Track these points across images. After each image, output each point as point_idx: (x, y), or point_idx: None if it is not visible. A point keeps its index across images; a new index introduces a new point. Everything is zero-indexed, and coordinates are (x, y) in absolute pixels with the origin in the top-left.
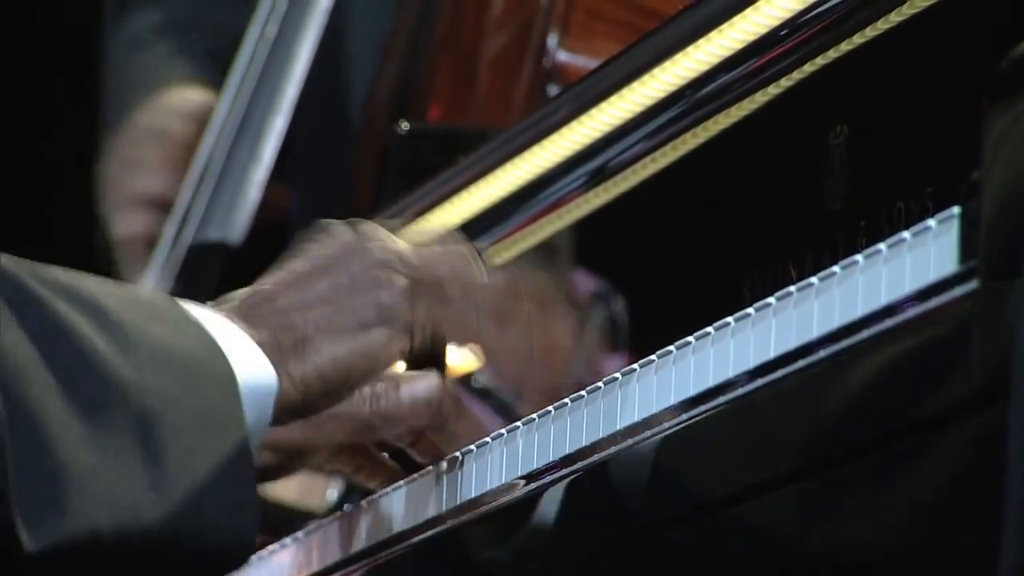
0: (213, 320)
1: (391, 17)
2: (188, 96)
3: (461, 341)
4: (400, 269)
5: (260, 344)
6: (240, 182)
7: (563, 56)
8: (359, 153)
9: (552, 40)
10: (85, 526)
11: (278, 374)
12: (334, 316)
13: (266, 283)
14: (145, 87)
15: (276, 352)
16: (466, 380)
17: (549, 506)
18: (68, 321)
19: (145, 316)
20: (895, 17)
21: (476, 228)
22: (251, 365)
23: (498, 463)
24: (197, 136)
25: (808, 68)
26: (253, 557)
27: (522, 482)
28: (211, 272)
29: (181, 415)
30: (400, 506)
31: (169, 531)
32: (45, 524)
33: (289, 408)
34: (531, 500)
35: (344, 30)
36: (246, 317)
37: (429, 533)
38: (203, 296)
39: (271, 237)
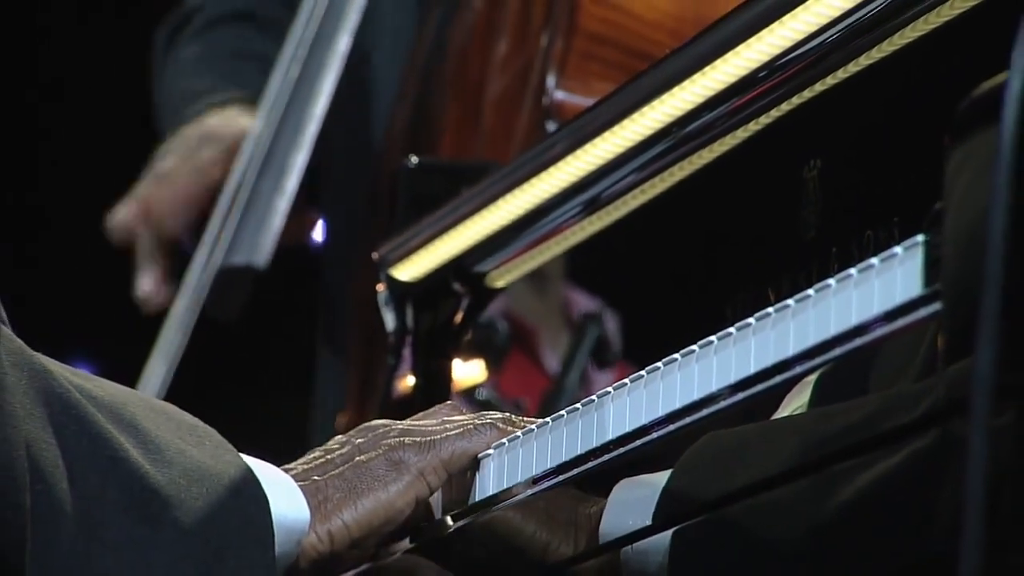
0: (250, 459)
1: (404, 61)
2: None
3: (463, 465)
4: (401, 432)
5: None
6: (265, 211)
7: (560, 95)
8: (375, 185)
9: (551, 80)
10: None
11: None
12: (351, 477)
13: (289, 466)
14: (202, 103)
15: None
16: (470, 393)
17: (546, 511)
18: (103, 432)
19: (184, 438)
20: (864, 61)
21: (480, 254)
22: (284, 497)
23: (499, 470)
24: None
25: (784, 107)
26: None
27: (521, 487)
28: (239, 293)
29: (209, 530)
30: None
31: None
32: None
33: (319, 560)
34: (528, 505)
35: (361, 73)
36: None
37: (431, 535)
38: (232, 315)
39: (295, 261)
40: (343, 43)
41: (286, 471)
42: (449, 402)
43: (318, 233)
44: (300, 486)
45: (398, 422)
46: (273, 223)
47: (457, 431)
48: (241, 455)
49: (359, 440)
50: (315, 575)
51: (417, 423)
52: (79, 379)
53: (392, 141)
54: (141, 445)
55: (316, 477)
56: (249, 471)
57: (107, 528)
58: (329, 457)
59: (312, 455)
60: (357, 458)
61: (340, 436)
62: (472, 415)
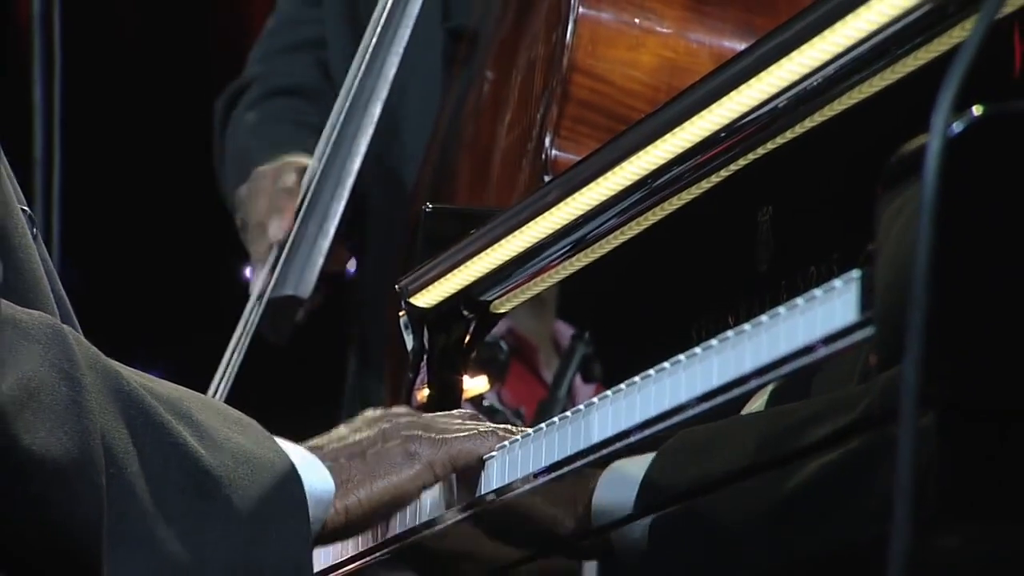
0: (284, 442)
1: (428, 125)
2: (303, 160)
3: (468, 463)
4: (421, 426)
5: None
6: (310, 251)
7: (556, 152)
8: (403, 228)
9: (547, 140)
10: None
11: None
12: (371, 462)
13: (319, 441)
14: (270, 156)
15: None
16: (477, 402)
17: (541, 502)
18: (164, 422)
19: (231, 427)
20: (808, 124)
21: (485, 285)
22: (316, 475)
23: (502, 468)
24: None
25: (741, 162)
26: None
27: (521, 482)
28: (288, 319)
29: (254, 504)
30: (420, 503)
31: None
32: None
33: (335, 530)
34: (527, 497)
35: (391, 136)
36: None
37: (442, 525)
38: (282, 338)
39: (335, 293)
40: (376, 110)
41: (316, 446)
42: (468, 410)
43: (352, 266)
44: (328, 466)
45: (422, 415)
46: (317, 261)
47: (466, 434)
48: (276, 439)
49: (385, 426)
50: (325, 541)
51: (438, 418)
52: (142, 379)
53: (419, 192)
54: (196, 434)
55: (343, 460)
56: (286, 455)
57: (169, 504)
58: (356, 439)
59: (338, 432)
60: (378, 445)
61: (369, 413)
62: (480, 422)
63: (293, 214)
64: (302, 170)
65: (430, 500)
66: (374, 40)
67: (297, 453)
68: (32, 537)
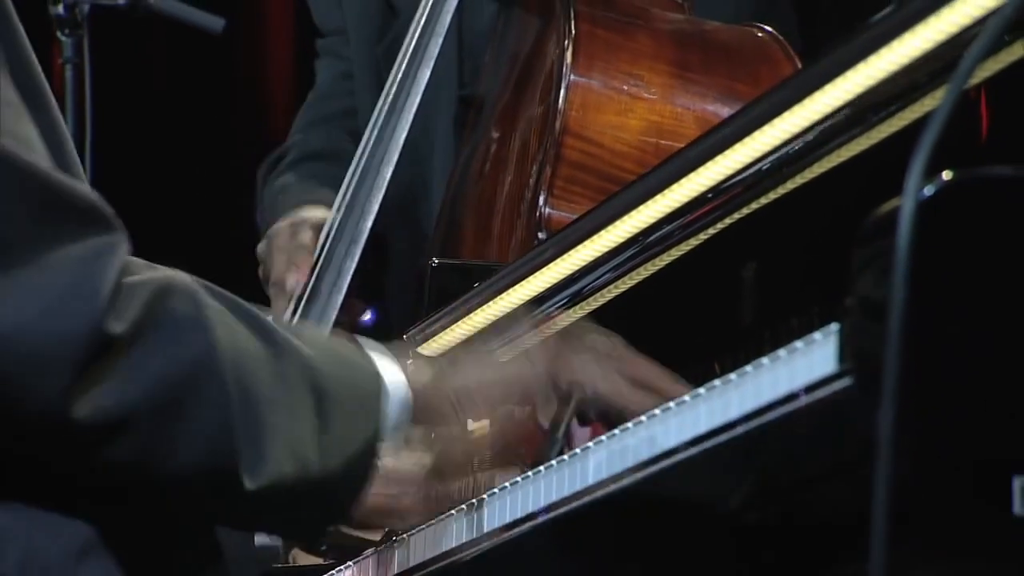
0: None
1: (442, 184)
2: (319, 215)
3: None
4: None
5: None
6: (324, 306)
7: (549, 210)
8: (413, 281)
9: (542, 199)
10: (278, 469)
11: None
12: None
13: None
14: (290, 210)
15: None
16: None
17: (542, 539)
18: (269, 327)
19: (317, 334)
20: (790, 185)
21: (487, 334)
22: (392, 377)
23: (504, 507)
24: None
25: (727, 221)
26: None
27: (519, 522)
28: None
29: (342, 395)
30: (427, 540)
31: (320, 479)
32: (256, 468)
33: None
34: (529, 535)
35: (401, 195)
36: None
37: (448, 560)
38: None
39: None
40: (387, 172)
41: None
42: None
43: (368, 316)
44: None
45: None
46: (331, 315)
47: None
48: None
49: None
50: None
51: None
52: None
53: (431, 246)
54: (289, 331)
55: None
56: (368, 356)
57: (280, 398)
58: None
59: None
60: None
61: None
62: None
63: (309, 267)
64: (317, 225)
65: (427, 541)
66: (386, 106)
67: (379, 357)
68: (173, 449)
